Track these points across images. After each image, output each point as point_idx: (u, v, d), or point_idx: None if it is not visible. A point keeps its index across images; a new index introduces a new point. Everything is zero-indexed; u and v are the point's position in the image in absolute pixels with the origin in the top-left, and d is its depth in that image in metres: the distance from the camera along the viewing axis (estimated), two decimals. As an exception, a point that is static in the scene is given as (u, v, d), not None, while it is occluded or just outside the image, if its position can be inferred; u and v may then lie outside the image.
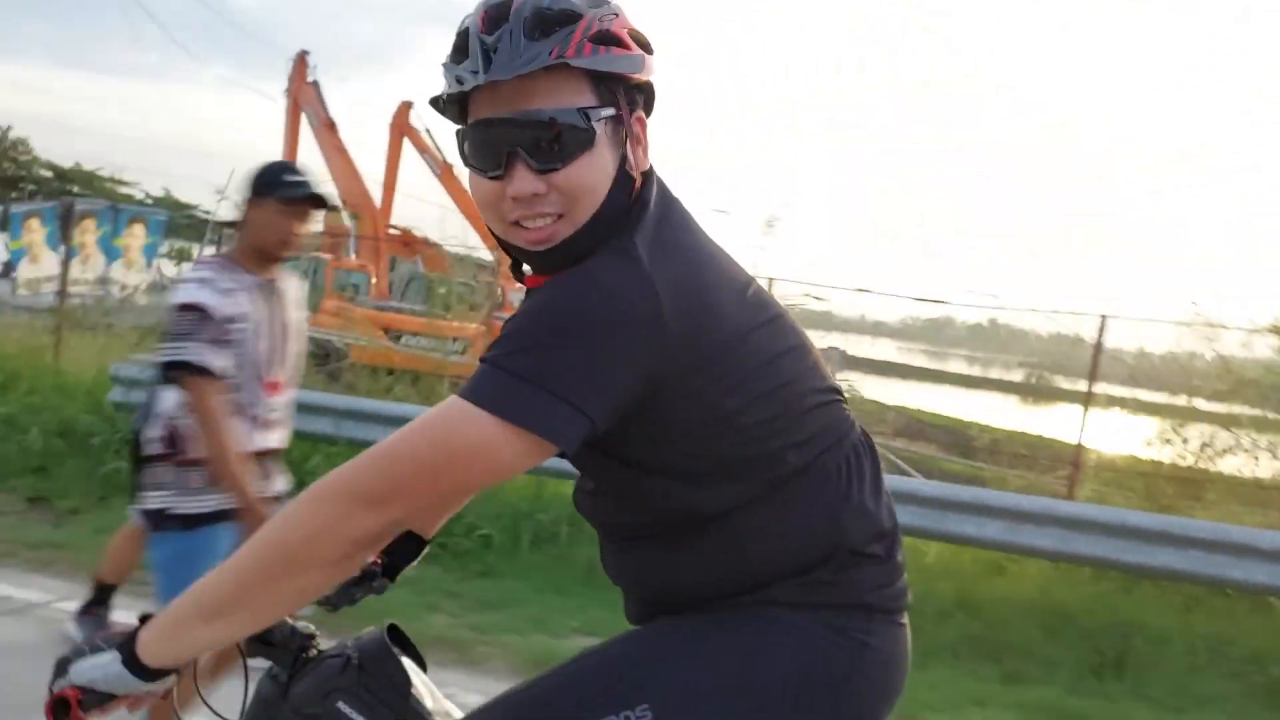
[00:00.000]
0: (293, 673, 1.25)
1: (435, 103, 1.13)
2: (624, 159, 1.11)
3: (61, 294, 7.43)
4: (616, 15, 1.08)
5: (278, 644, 1.26)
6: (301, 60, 16.72)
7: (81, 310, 8.37)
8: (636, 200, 1.12)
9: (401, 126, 16.62)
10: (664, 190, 1.16)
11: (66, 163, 28.89)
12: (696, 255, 1.12)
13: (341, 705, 1.21)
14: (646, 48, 1.11)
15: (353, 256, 15.63)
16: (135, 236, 7.30)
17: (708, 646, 1.15)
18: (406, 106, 16.78)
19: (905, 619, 1.23)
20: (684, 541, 1.18)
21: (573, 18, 1.05)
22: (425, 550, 1.58)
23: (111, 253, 7.51)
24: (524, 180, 1.07)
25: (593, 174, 1.09)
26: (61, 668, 1.06)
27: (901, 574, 1.23)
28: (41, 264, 7.81)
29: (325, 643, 1.29)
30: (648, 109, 1.15)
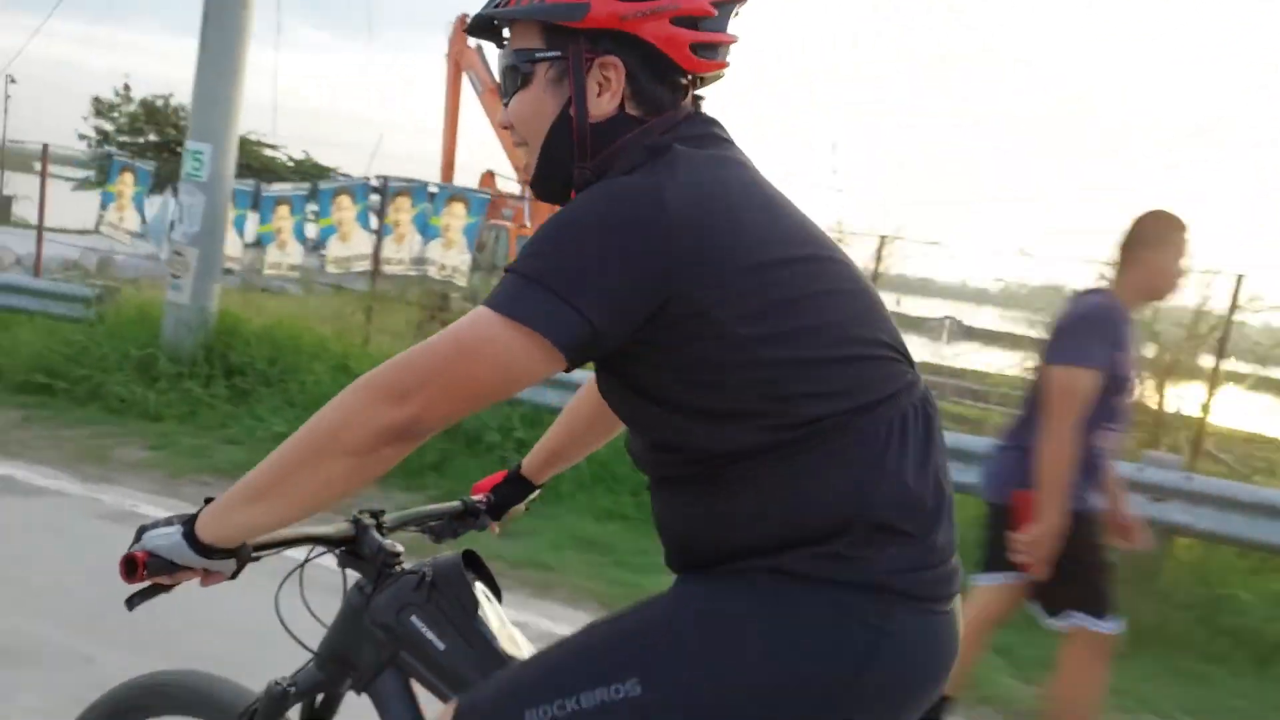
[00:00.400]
0: (376, 586, 1.33)
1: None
2: (570, 99, 1.15)
3: (374, 273, 7.21)
4: None
5: (365, 558, 1.34)
6: (462, 23, 16.31)
7: (397, 290, 8.23)
8: (647, 129, 1.15)
9: (456, 43, 15.68)
10: (707, 129, 1.18)
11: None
12: (724, 178, 1.12)
13: (414, 619, 1.28)
14: None
15: (529, 224, 15.25)
16: (455, 216, 6.96)
17: (706, 625, 1.10)
18: (463, 20, 15.40)
19: (947, 608, 1.13)
20: (699, 490, 1.15)
21: None
22: (535, 494, 1.66)
23: (429, 231, 7.22)
24: (504, 110, 1.22)
25: (526, 109, 1.18)
26: (139, 534, 1.15)
27: (944, 558, 1.12)
28: (351, 242, 7.60)
29: (409, 562, 1.35)
30: (627, 53, 1.14)
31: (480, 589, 1.34)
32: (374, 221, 7.26)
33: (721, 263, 1.05)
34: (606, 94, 1.15)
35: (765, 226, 1.11)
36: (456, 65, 15.93)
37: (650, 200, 1.04)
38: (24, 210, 25.11)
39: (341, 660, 1.36)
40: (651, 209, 1.04)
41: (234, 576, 1.19)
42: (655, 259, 1.03)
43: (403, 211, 6.87)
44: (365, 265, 7.34)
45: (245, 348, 6.24)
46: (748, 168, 1.17)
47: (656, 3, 1.11)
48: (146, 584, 1.15)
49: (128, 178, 8.26)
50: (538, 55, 1.16)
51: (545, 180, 1.22)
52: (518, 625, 1.39)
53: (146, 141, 27.28)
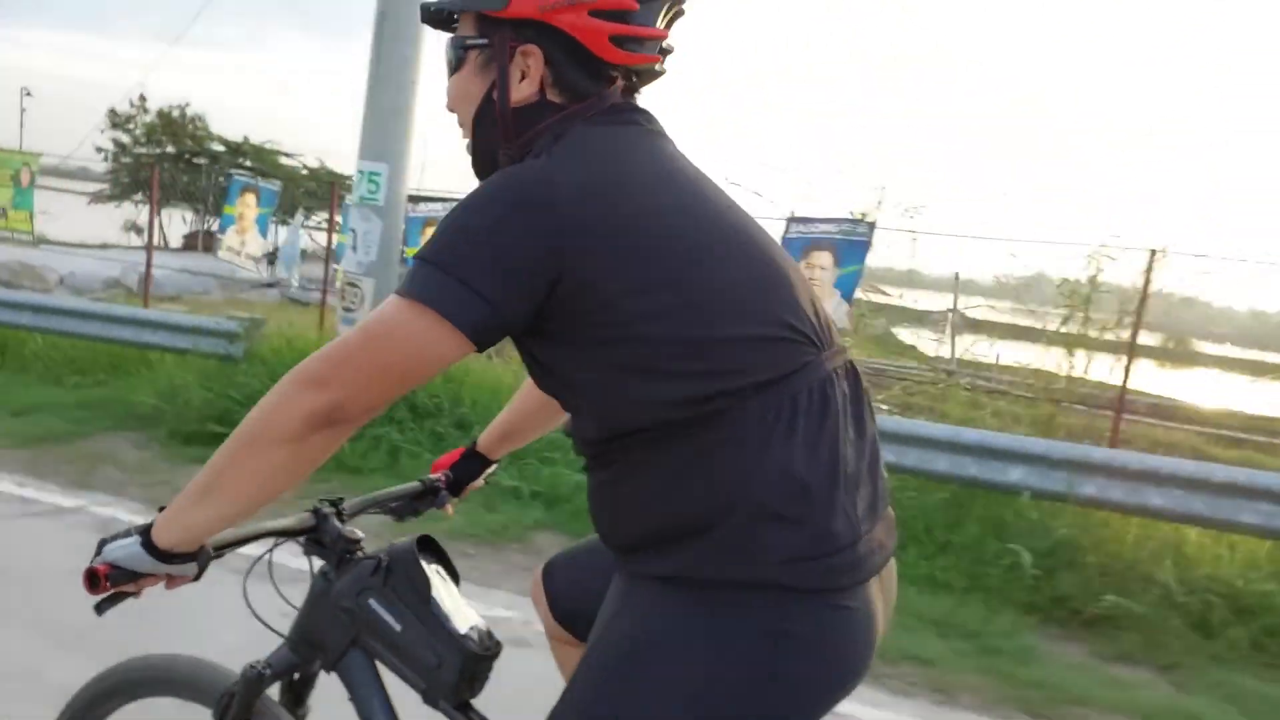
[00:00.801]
0: (338, 571, 1.38)
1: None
2: (493, 84, 1.20)
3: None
4: None
5: (327, 545, 1.40)
6: None
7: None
8: (564, 116, 1.19)
9: None
10: (626, 116, 1.21)
11: (235, 137, 28.75)
12: (623, 157, 1.16)
13: (372, 602, 1.34)
14: None
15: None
16: (816, 266, 6.20)
17: (632, 660, 1.14)
18: None
19: (850, 600, 1.11)
20: (604, 474, 1.20)
21: None
22: (492, 469, 1.75)
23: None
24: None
25: (458, 91, 1.25)
26: (99, 548, 1.19)
27: (841, 545, 1.10)
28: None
29: (371, 547, 1.42)
30: (547, 42, 1.18)
31: (435, 571, 1.39)
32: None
33: (609, 239, 1.08)
34: (526, 80, 1.20)
35: (662, 206, 1.13)
36: None
37: (539, 181, 1.09)
38: (42, 225, 24.51)
39: (311, 642, 1.42)
40: (541, 190, 1.08)
41: (197, 578, 1.23)
42: (545, 238, 1.07)
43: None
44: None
45: (429, 386, 5.72)
46: (660, 151, 1.20)
47: None
48: (110, 593, 1.18)
49: (250, 199, 7.71)
50: (468, 42, 1.22)
51: (477, 162, 1.27)
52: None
53: (164, 153, 26.67)
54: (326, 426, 1.10)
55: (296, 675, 1.47)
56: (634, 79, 1.25)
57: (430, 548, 1.42)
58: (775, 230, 5.86)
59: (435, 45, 6.25)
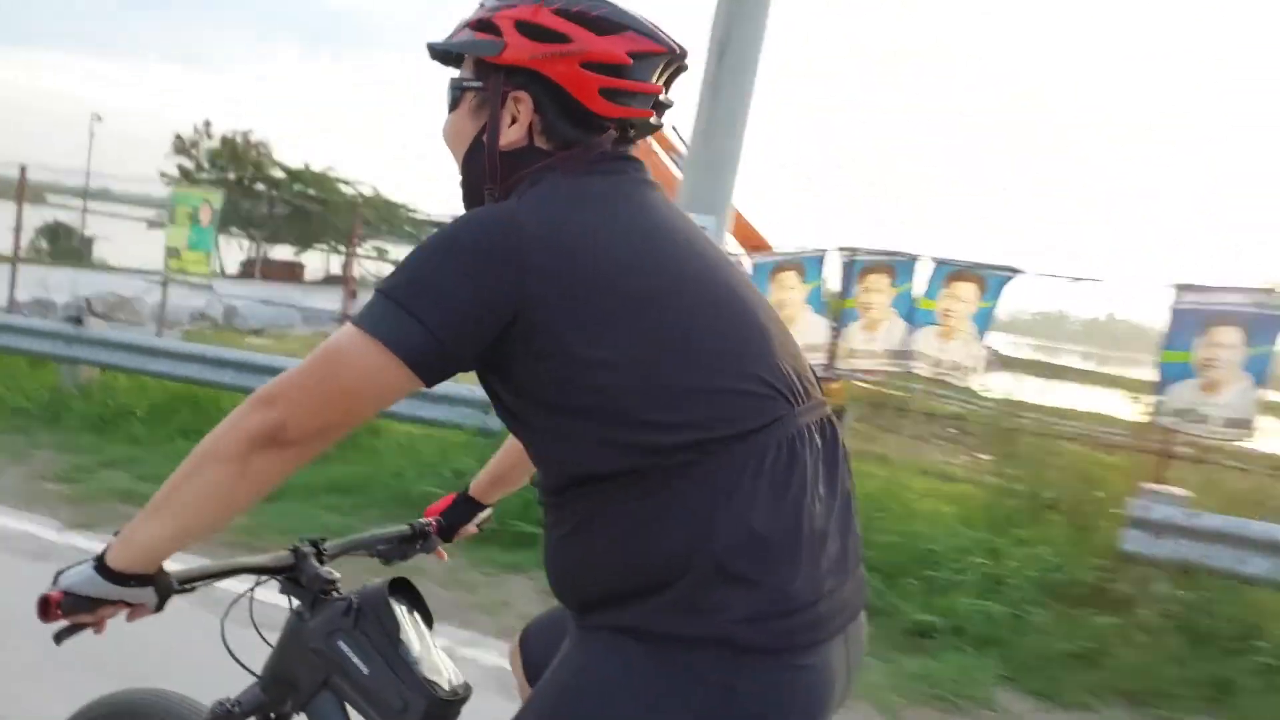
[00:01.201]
0: (312, 611, 1.37)
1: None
2: (484, 126, 1.22)
3: (829, 368, 5.83)
4: (513, 6, 1.19)
5: (303, 585, 1.39)
6: None
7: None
8: (548, 163, 1.20)
9: None
10: (610, 164, 1.22)
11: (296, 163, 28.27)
12: (594, 205, 1.16)
13: (341, 644, 1.33)
14: (544, 36, 1.17)
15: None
16: (957, 298, 5.63)
17: (575, 703, 1.13)
18: None
19: (809, 659, 1.09)
20: (556, 528, 1.18)
21: (477, 8, 1.24)
22: (485, 514, 1.74)
23: (917, 317, 5.83)
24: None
25: (451, 129, 1.28)
26: (56, 577, 1.16)
27: (802, 604, 1.08)
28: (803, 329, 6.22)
29: (346, 589, 1.39)
30: (538, 90, 1.20)
31: (405, 615, 1.38)
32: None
33: (568, 286, 1.08)
34: (516, 125, 1.22)
35: (633, 254, 1.13)
36: None
37: (502, 223, 1.11)
38: (103, 251, 23.98)
39: (283, 682, 1.40)
40: (502, 232, 1.10)
41: (159, 609, 1.20)
42: (501, 279, 1.07)
43: (875, 291, 5.61)
44: (818, 358, 6.02)
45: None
46: (643, 201, 1.21)
47: (565, 46, 1.17)
48: (65, 623, 1.16)
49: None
50: (465, 84, 1.25)
51: (465, 199, 1.29)
52: None
53: (225, 179, 26.27)
54: (270, 447, 1.09)
55: (272, 715, 1.44)
56: (630, 130, 1.25)
57: (405, 590, 1.41)
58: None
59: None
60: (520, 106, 1.21)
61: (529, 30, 1.18)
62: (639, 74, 1.20)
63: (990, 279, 5.59)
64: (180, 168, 27.09)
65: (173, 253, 8.20)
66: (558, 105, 1.20)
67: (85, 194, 24.46)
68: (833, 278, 6.02)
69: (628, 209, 1.18)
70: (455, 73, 1.29)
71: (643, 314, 1.10)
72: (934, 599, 4.17)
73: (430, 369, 1.08)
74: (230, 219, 27.01)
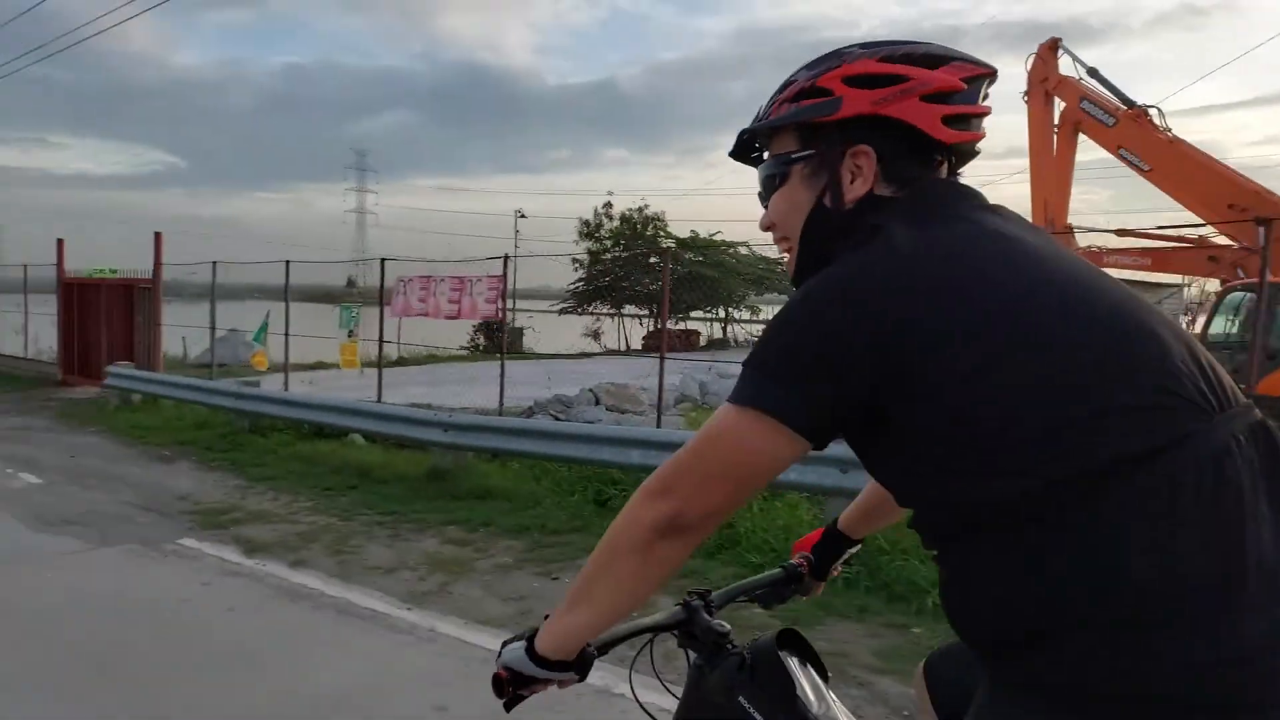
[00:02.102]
0: (711, 663, 1.42)
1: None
2: (824, 189, 1.23)
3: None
4: (836, 66, 1.22)
5: (698, 638, 1.45)
6: (1052, 45, 13.90)
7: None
8: (890, 209, 1.18)
9: (1041, 70, 13.83)
10: (947, 193, 1.22)
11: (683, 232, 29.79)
12: (942, 242, 1.13)
13: (741, 699, 1.35)
14: (880, 83, 1.19)
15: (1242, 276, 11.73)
16: None
17: None
18: (1053, 43, 13.84)
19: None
20: (943, 569, 1.15)
21: (786, 84, 1.27)
22: (854, 550, 1.75)
23: None
24: (764, 214, 1.32)
25: (783, 205, 1.28)
26: (501, 648, 1.29)
27: (1251, 654, 0.96)
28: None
29: (740, 640, 1.44)
30: (878, 136, 1.20)
31: (798, 668, 1.39)
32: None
33: (933, 327, 1.06)
34: (859, 180, 1.22)
35: (991, 282, 1.09)
36: (1046, 94, 14.10)
37: (855, 276, 1.10)
38: (529, 340, 26.51)
39: None
40: (858, 284, 1.09)
41: (581, 680, 1.28)
42: (863, 332, 1.07)
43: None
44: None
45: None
46: (990, 225, 1.17)
47: (905, 85, 1.18)
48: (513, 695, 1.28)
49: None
50: (793, 157, 1.26)
51: (808, 271, 1.23)
52: None
53: (618, 257, 28.09)
54: (671, 535, 1.15)
55: None
56: (953, 159, 1.25)
57: (793, 642, 1.43)
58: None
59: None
60: (861, 160, 1.21)
61: (862, 81, 1.20)
62: (971, 96, 1.22)
63: None
64: (589, 251, 29.54)
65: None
66: (901, 146, 1.21)
67: (514, 294, 27.46)
68: None
69: (979, 236, 1.15)
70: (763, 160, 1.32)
71: (1015, 340, 1.05)
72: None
73: (820, 431, 1.11)
74: (625, 295, 28.90)
